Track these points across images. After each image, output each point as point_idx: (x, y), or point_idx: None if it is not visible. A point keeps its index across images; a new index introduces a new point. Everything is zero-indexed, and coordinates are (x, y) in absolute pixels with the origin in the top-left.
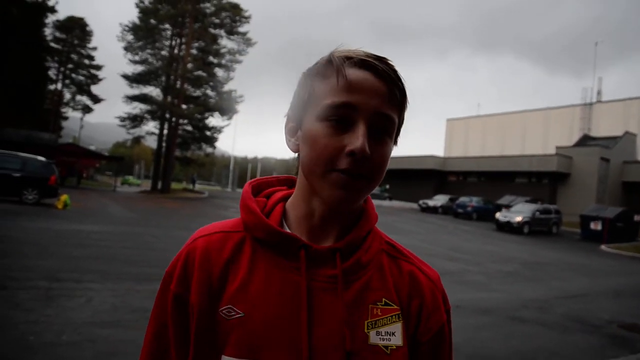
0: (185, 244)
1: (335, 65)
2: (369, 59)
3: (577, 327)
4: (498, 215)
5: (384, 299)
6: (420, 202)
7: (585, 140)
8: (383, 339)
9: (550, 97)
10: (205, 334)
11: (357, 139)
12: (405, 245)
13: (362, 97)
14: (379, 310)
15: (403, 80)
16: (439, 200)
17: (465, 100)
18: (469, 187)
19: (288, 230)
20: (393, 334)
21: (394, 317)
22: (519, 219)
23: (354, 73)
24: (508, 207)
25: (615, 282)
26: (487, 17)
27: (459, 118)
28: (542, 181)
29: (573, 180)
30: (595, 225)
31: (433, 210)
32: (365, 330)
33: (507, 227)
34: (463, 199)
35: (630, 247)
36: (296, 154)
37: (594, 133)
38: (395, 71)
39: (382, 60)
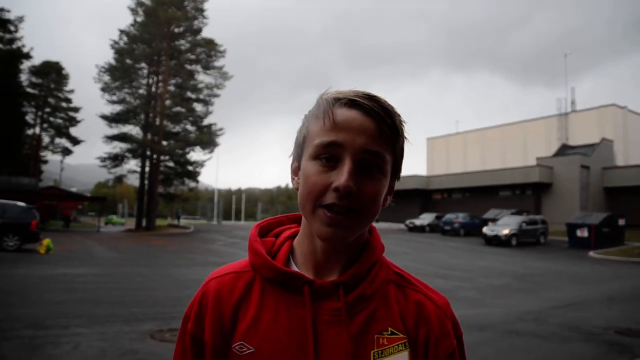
0: (201, 286)
1: (323, 107)
2: (357, 98)
3: (574, 336)
4: (485, 229)
5: (389, 328)
6: (407, 222)
7: (564, 150)
8: None
9: (527, 109)
10: None
11: (342, 176)
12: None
13: (349, 135)
14: (385, 340)
15: (396, 116)
16: (426, 218)
17: (443, 118)
18: (454, 204)
19: (294, 268)
20: None
21: (400, 345)
22: (506, 231)
23: (341, 113)
24: (494, 220)
25: (607, 288)
26: (457, 34)
27: (439, 136)
28: (525, 192)
29: (556, 190)
30: (582, 233)
31: (420, 229)
32: None
33: (495, 241)
34: (449, 216)
35: (617, 251)
36: (297, 191)
37: (571, 142)
38: (385, 108)
39: (372, 98)
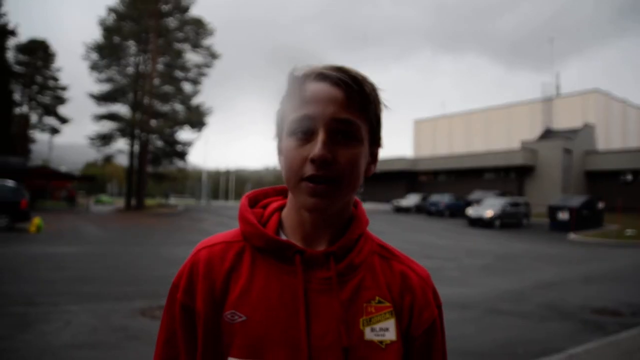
0: (190, 256)
1: (295, 84)
2: (325, 71)
3: (552, 315)
4: (469, 211)
5: (377, 297)
6: (393, 202)
7: (548, 134)
8: (377, 335)
9: (513, 92)
10: (212, 339)
11: (316, 146)
12: None
13: (318, 107)
14: (373, 308)
15: (365, 84)
16: (411, 199)
17: (430, 100)
18: (439, 186)
19: (284, 238)
20: (387, 329)
21: (387, 313)
22: (489, 213)
23: (310, 86)
24: (478, 202)
25: (584, 269)
26: (445, 14)
27: (426, 119)
28: (509, 175)
29: (539, 173)
30: (563, 215)
31: (406, 210)
32: (361, 327)
33: (479, 222)
34: (435, 197)
35: (596, 233)
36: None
37: (555, 126)
38: (353, 77)
39: (340, 69)
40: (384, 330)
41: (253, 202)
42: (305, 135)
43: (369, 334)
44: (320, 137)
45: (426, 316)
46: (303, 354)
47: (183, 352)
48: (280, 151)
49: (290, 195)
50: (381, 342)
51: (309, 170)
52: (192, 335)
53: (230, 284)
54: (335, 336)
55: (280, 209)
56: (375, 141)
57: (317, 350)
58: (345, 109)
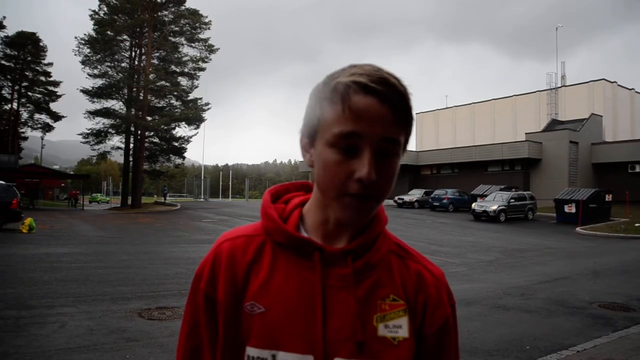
0: (212, 248)
1: (339, 92)
2: (373, 85)
3: (560, 310)
4: (474, 205)
5: (391, 295)
6: (396, 197)
7: (554, 125)
8: (391, 332)
9: (517, 83)
10: (232, 328)
11: (364, 167)
12: None
13: (367, 125)
14: (387, 306)
15: (409, 98)
16: (415, 194)
17: (433, 92)
18: (443, 180)
19: (304, 234)
20: (400, 327)
21: (400, 311)
22: (494, 207)
23: (358, 101)
24: (483, 196)
25: (593, 263)
26: (450, 4)
27: (429, 111)
28: (514, 168)
29: (544, 165)
30: (570, 208)
31: (409, 205)
32: (375, 324)
33: (484, 217)
34: (438, 192)
35: (604, 227)
36: (310, 167)
37: (561, 117)
38: (399, 93)
39: (387, 82)
40: (397, 327)
41: (275, 197)
42: (350, 151)
43: (382, 330)
44: (367, 157)
45: (439, 315)
46: (318, 346)
47: (206, 341)
48: (305, 147)
49: (316, 195)
50: (394, 338)
51: (353, 188)
52: (214, 324)
53: (251, 276)
54: (350, 331)
55: (302, 204)
56: (404, 150)
57: (332, 344)
58: (392, 128)
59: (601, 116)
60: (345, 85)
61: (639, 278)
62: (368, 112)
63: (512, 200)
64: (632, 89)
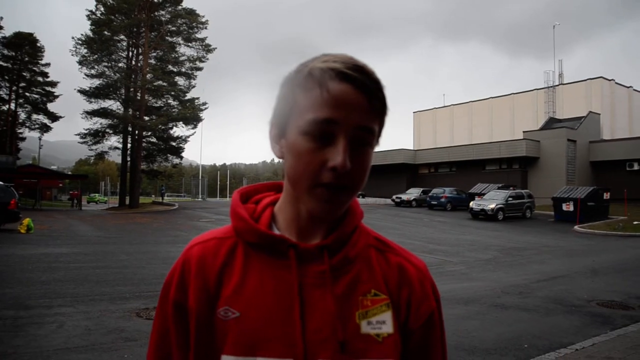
0: (182, 253)
1: (315, 78)
2: (349, 71)
3: (558, 308)
4: (472, 204)
5: (372, 290)
6: (394, 196)
7: (551, 123)
8: (374, 328)
9: (515, 82)
10: (205, 336)
11: (339, 154)
12: None
13: (343, 112)
14: (369, 301)
15: (383, 88)
16: (412, 193)
17: (431, 90)
18: (441, 178)
19: (277, 232)
20: (383, 322)
21: (383, 306)
22: (492, 206)
23: (334, 87)
24: (481, 195)
25: (591, 261)
26: (449, 3)
27: (426, 109)
28: (512, 166)
29: (542, 164)
30: (568, 207)
31: (407, 204)
32: (357, 321)
33: (482, 215)
34: (436, 191)
35: (602, 225)
36: (280, 159)
37: (558, 115)
38: (374, 81)
39: (362, 70)
40: (381, 323)
41: (245, 197)
42: (324, 138)
43: (365, 328)
44: (342, 144)
45: (424, 309)
46: (298, 349)
47: (176, 351)
48: (275, 138)
49: (287, 189)
50: (378, 335)
51: (326, 177)
52: (185, 333)
53: (224, 280)
54: (331, 330)
55: (273, 204)
56: (377, 142)
57: (312, 345)
58: (368, 116)
59: (599, 114)
60: (320, 71)
61: (637, 276)
62: (344, 99)
63: (510, 199)
64: (630, 86)
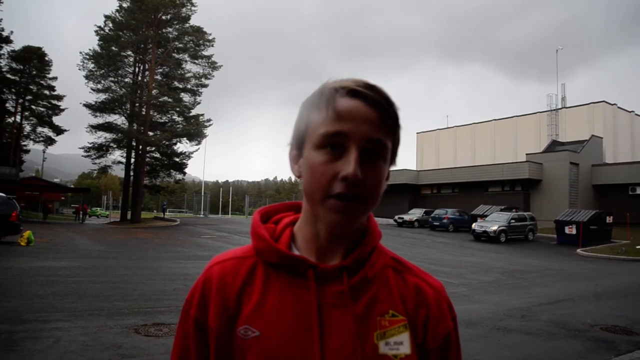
0: (203, 272)
1: (326, 96)
2: (359, 88)
3: (561, 332)
4: (474, 225)
5: (390, 311)
6: (396, 217)
7: (554, 146)
8: (392, 349)
9: (518, 104)
10: (224, 355)
11: (350, 165)
12: None
13: (353, 124)
14: (387, 322)
15: (395, 106)
16: (415, 214)
17: (434, 111)
18: (443, 199)
19: (296, 253)
20: (401, 343)
21: (401, 327)
22: (495, 228)
23: (344, 102)
24: (483, 217)
25: (594, 285)
26: (452, 23)
27: (429, 130)
28: (515, 189)
29: (545, 186)
30: (570, 230)
31: (409, 224)
32: (375, 342)
33: (484, 237)
34: (438, 212)
35: (605, 248)
36: (298, 179)
37: (561, 138)
38: (386, 98)
39: (373, 88)
40: (398, 344)
41: (265, 217)
42: (336, 151)
43: (383, 348)
44: (353, 155)
45: (441, 329)
46: None
47: None
48: (294, 159)
49: (305, 208)
50: (395, 355)
51: (338, 187)
52: (205, 351)
53: (244, 299)
54: (350, 351)
55: (292, 223)
56: (392, 160)
57: None
58: (377, 129)
59: (601, 138)
60: (332, 90)
61: None
62: (353, 113)
63: (513, 221)
64: (632, 111)
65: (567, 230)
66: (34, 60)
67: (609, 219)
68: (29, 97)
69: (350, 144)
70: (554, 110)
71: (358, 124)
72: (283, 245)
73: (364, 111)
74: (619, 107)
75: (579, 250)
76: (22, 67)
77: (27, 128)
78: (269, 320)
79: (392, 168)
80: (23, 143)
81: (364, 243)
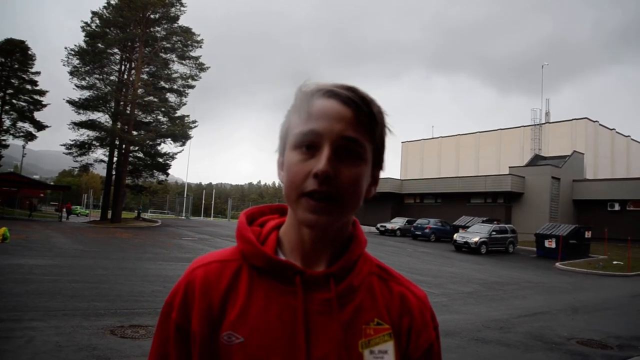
0: (184, 274)
1: (301, 98)
2: (335, 88)
3: (538, 345)
4: (456, 236)
5: (375, 319)
6: (379, 225)
7: (537, 160)
8: (376, 357)
9: (503, 117)
10: None
11: (320, 161)
12: None
13: (327, 123)
14: (372, 330)
15: (373, 105)
16: (397, 222)
17: (420, 121)
18: (426, 209)
19: (283, 258)
20: (385, 352)
21: (385, 336)
22: (476, 239)
23: (319, 103)
24: (465, 227)
25: (571, 299)
26: (444, 36)
27: (415, 140)
28: (497, 201)
29: (526, 200)
30: (550, 243)
31: (391, 232)
32: (360, 350)
33: (465, 248)
34: (421, 221)
35: (583, 263)
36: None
37: (544, 152)
38: (362, 97)
39: (350, 88)
40: (383, 352)
41: (250, 219)
42: (310, 149)
43: (367, 357)
44: (325, 152)
45: (424, 338)
46: None
47: None
48: (280, 166)
49: (290, 212)
50: None
51: (310, 185)
52: (186, 357)
53: (228, 304)
54: (335, 359)
55: (278, 227)
56: (378, 163)
57: None
58: (352, 127)
59: (583, 154)
60: (308, 92)
61: (617, 316)
62: (327, 111)
63: (494, 233)
64: (613, 129)
65: (546, 243)
66: (16, 54)
67: (588, 234)
68: (9, 91)
69: (324, 142)
70: (538, 124)
71: (332, 122)
72: (269, 250)
73: (339, 110)
74: (600, 124)
75: (557, 264)
76: (3, 60)
77: (7, 122)
78: (254, 325)
79: (382, 173)
80: (2, 138)
81: (350, 250)
